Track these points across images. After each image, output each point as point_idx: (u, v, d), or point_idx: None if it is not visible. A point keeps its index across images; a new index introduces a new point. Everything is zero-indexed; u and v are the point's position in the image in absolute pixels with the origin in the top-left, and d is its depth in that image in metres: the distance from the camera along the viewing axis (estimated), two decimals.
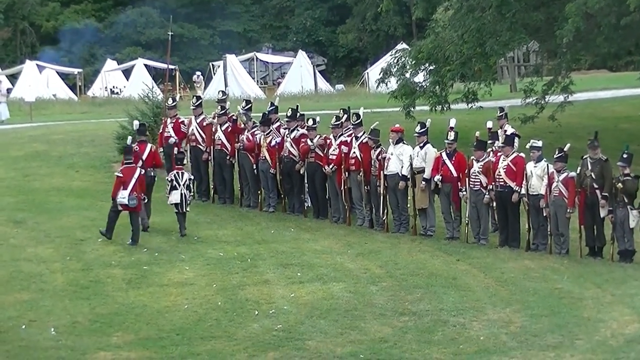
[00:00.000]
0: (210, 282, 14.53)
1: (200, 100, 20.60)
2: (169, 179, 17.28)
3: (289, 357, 11.74)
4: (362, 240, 17.04)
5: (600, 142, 16.24)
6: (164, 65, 36.55)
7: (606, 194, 15.78)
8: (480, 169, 16.70)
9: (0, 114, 33.68)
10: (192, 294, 14.01)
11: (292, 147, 18.66)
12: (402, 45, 33.80)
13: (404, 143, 17.47)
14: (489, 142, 17.47)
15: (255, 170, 18.98)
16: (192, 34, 58.57)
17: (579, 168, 16.13)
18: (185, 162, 18.23)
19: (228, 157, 19.32)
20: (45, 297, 13.84)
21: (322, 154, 18.32)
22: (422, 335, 12.35)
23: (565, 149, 16.23)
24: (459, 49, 23.67)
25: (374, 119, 19.70)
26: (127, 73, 50.65)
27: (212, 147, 19.42)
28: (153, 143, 18.80)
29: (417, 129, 17.64)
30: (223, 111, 19.56)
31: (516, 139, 17.04)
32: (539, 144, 16.60)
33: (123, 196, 16.21)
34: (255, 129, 19.16)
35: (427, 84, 24.95)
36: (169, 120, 19.75)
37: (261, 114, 19.70)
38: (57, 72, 50.02)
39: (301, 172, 18.64)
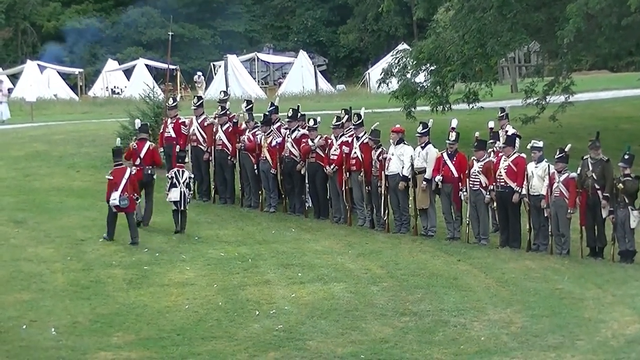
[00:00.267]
0: (211, 282, 14.53)
1: (201, 101, 20.58)
2: (169, 177, 17.28)
3: (290, 357, 11.73)
4: (362, 241, 17.03)
5: (601, 142, 16.23)
6: (165, 65, 36.50)
7: (607, 194, 15.78)
8: (481, 169, 16.70)
9: (1, 114, 33.64)
10: (192, 294, 14.00)
11: (293, 147, 18.65)
12: (403, 46, 33.70)
13: (404, 143, 17.47)
14: (490, 142, 17.48)
15: (256, 171, 18.98)
16: (193, 34, 58.53)
17: (580, 168, 16.11)
18: (187, 160, 18.23)
19: (229, 157, 19.33)
20: (45, 297, 13.83)
21: (323, 154, 18.31)
22: (423, 336, 12.35)
23: (566, 150, 16.23)
24: (460, 49, 23.67)
25: (374, 119, 19.67)
26: (128, 73, 50.65)
27: (213, 147, 19.44)
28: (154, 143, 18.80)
29: (420, 129, 17.62)
30: (223, 111, 19.58)
31: (517, 140, 17.05)
32: (540, 144, 16.60)
33: (114, 197, 16.23)
34: (256, 129, 19.18)
35: (428, 85, 24.94)
36: (169, 121, 19.75)
37: (262, 115, 19.70)
38: (58, 72, 50.03)
39: (302, 173, 18.63)
